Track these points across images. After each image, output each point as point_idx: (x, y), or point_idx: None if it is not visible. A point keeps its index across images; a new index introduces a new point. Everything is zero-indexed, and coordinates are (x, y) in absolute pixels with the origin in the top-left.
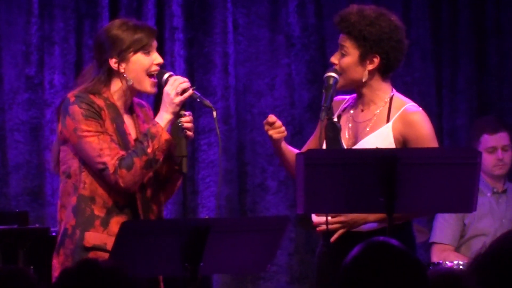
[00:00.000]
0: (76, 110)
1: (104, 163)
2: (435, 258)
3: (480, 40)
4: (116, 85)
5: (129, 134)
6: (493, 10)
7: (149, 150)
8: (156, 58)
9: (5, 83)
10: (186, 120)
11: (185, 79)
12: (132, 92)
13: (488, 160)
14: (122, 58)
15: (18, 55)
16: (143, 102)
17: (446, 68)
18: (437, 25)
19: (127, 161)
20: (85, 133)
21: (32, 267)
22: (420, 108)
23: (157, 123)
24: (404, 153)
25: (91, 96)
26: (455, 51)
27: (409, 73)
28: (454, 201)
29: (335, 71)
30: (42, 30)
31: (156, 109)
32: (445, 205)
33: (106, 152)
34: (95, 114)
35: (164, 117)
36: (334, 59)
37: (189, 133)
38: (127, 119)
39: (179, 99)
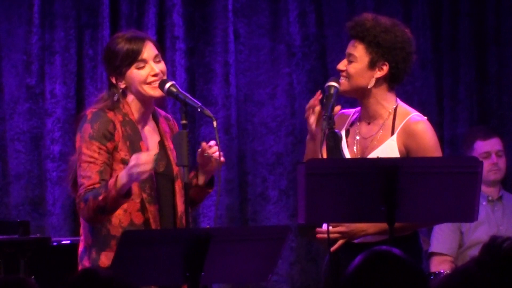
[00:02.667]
0: (87, 129)
1: (78, 190)
2: (433, 269)
3: (480, 49)
4: (129, 97)
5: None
6: (493, 20)
7: (100, 198)
8: (152, 69)
9: (5, 93)
10: (213, 151)
11: (149, 161)
12: (144, 100)
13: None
14: (119, 74)
15: (18, 64)
16: (169, 116)
17: (447, 77)
18: (437, 34)
19: (87, 196)
20: (82, 156)
21: (33, 276)
22: (425, 118)
23: (117, 177)
24: (404, 162)
25: (110, 114)
26: (456, 60)
27: (410, 82)
28: (455, 210)
29: (335, 80)
30: (42, 39)
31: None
32: (446, 214)
33: (84, 181)
34: (102, 137)
35: (122, 180)
36: (341, 66)
37: (221, 159)
38: (148, 132)
39: (142, 177)
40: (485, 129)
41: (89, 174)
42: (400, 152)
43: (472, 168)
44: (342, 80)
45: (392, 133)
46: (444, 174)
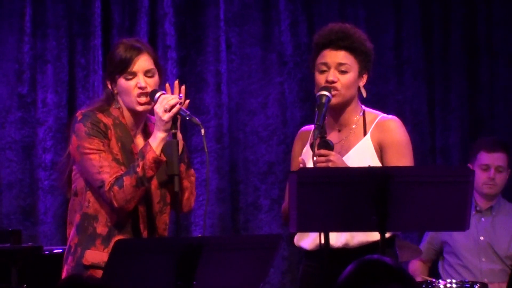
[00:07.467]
0: (81, 128)
1: (102, 180)
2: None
3: (471, 59)
4: (122, 104)
5: (136, 153)
6: (484, 29)
7: (138, 169)
8: (139, 82)
9: None
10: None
11: (174, 96)
12: (133, 111)
13: (480, 178)
14: (112, 80)
15: (10, 73)
16: None
17: (438, 86)
18: (429, 43)
19: (120, 180)
20: (87, 151)
21: (25, 285)
22: (395, 116)
23: (148, 142)
24: (396, 171)
25: (99, 115)
26: (447, 69)
27: (401, 92)
28: (446, 219)
29: (327, 89)
30: (34, 49)
31: None
32: (437, 223)
33: (105, 170)
34: (98, 133)
35: (157, 136)
36: (333, 77)
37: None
38: (140, 139)
39: (167, 115)
40: (492, 142)
41: (106, 164)
42: (375, 149)
43: (464, 177)
44: (335, 92)
45: (365, 133)
46: (436, 183)
